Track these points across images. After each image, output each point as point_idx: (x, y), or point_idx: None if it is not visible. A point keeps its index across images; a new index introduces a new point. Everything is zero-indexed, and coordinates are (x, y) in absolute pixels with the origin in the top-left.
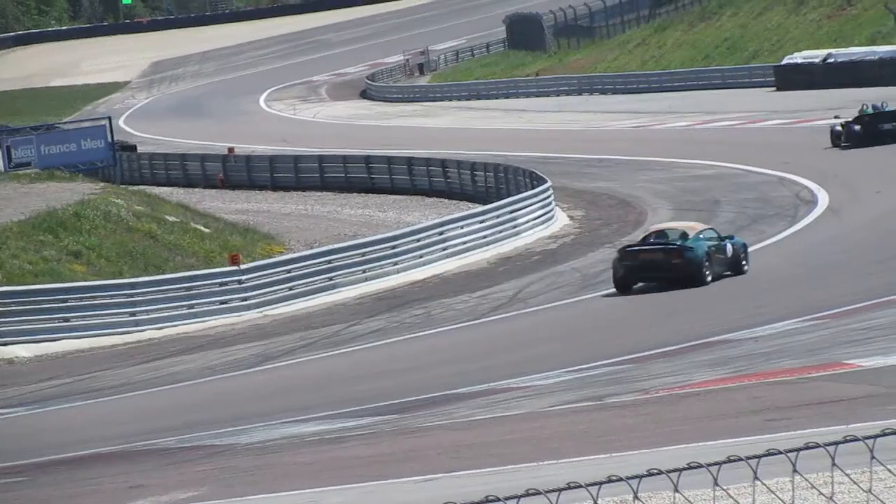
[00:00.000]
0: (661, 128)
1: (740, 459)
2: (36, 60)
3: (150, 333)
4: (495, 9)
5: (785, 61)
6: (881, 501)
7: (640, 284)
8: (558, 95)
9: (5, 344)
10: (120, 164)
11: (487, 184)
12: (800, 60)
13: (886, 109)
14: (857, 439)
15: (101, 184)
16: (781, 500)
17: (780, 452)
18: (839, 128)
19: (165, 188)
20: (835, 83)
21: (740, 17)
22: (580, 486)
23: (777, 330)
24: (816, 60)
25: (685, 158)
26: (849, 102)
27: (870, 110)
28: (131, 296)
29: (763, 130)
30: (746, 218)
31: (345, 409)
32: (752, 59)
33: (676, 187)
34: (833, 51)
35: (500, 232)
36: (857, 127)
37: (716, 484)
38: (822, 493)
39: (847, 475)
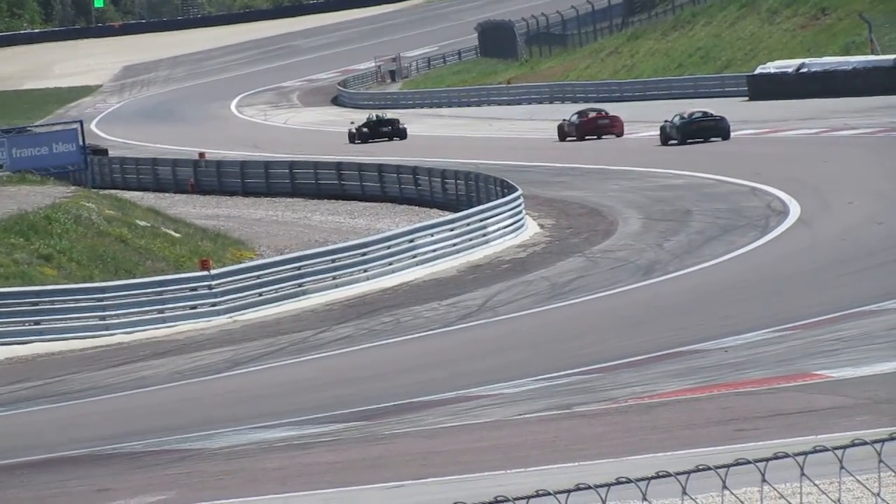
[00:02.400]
0: (633, 137)
1: (709, 469)
2: (8, 63)
3: (120, 337)
4: (467, 16)
5: (758, 71)
6: None
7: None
8: (530, 103)
9: None
10: (91, 167)
11: (458, 192)
12: (773, 70)
13: None
14: (826, 449)
15: (73, 187)
16: None
17: (749, 462)
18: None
19: (136, 192)
20: (808, 93)
21: (714, 26)
22: (549, 494)
23: (746, 340)
24: (790, 70)
25: (657, 168)
26: (822, 112)
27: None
28: (101, 300)
29: (735, 140)
30: (717, 228)
31: (313, 415)
32: (726, 69)
33: (647, 196)
34: (807, 60)
35: (471, 240)
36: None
37: (684, 493)
38: (790, 503)
39: (816, 485)
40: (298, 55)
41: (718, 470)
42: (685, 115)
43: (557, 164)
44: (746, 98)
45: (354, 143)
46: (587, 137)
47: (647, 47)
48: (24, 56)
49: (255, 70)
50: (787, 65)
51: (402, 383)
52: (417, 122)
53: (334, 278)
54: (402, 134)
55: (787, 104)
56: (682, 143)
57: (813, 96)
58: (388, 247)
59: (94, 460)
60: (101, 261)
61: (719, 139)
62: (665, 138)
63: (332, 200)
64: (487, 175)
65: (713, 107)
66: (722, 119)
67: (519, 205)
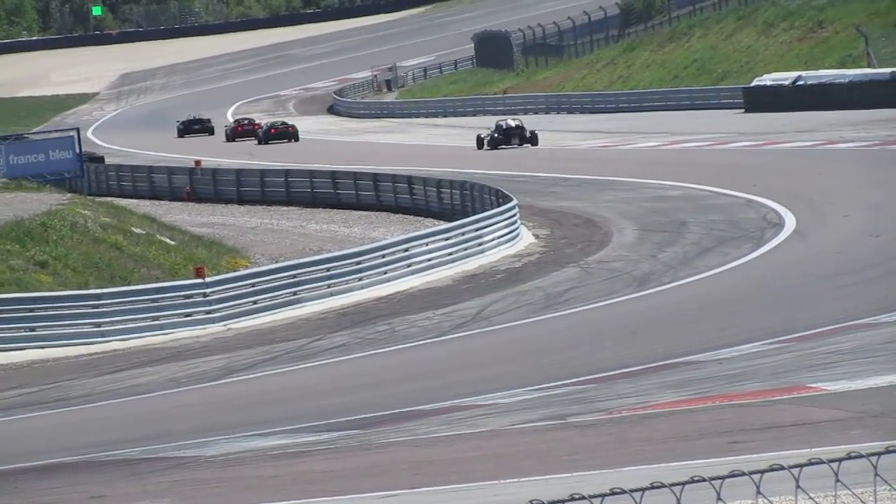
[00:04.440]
0: (629, 148)
1: (704, 480)
2: (5, 70)
3: (115, 344)
4: (464, 26)
5: (754, 83)
6: None
7: None
8: (526, 114)
9: None
10: (87, 175)
11: (453, 201)
12: (769, 82)
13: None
14: (822, 462)
15: (69, 194)
16: None
17: (744, 474)
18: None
19: (132, 200)
20: (804, 106)
21: (710, 38)
22: None
23: (741, 352)
24: (786, 83)
25: (652, 179)
26: (818, 125)
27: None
28: (97, 307)
29: (731, 152)
30: (713, 239)
31: (308, 423)
32: (722, 81)
33: (643, 208)
34: (803, 73)
35: (465, 249)
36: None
37: None
38: None
39: (811, 498)
40: (295, 64)
41: (713, 481)
42: (501, 126)
43: (552, 175)
44: (742, 110)
45: (482, 149)
46: (500, 147)
47: (644, 59)
48: (21, 63)
49: (252, 78)
50: (784, 77)
51: (397, 392)
52: (413, 132)
53: (329, 287)
54: (534, 140)
55: (783, 116)
56: (494, 148)
57: (809, 109)
58: (383, 256)
59: (88, 467)
60: (96, 268)
61: (528, 145)
62: (479, 145)
63: (328, 209)
64: (483, 185)
65: (708, 118)
66: (530, 131)
67: (514, 215)
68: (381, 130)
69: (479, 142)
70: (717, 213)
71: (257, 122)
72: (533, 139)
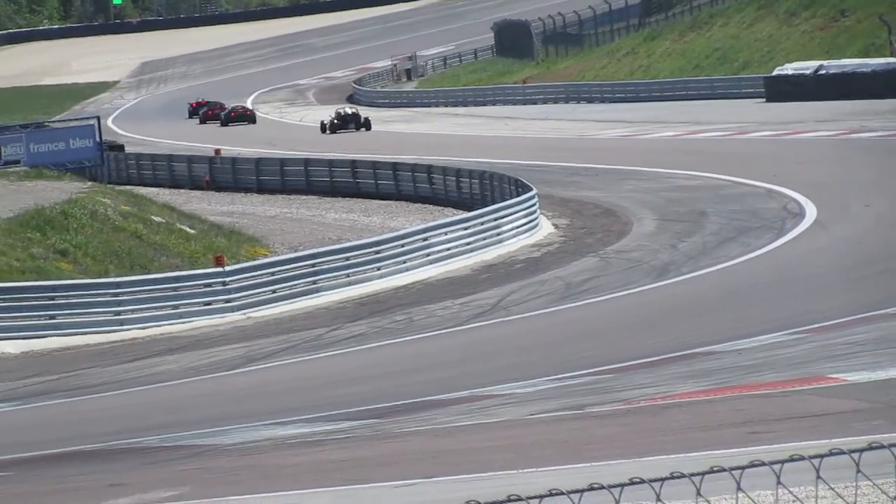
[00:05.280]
0: (649, 137)
1: (723, 470)
2: (27, 59)
3: (134, 333)
4: (484, 15)
5: (776, 72)
6: None
7: None
8: (545, 103)
9: None
10: (107, 163)
11: (472, 190)
12: (790, 72)
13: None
14: (843, 452)
15: (89, 183)
16: None
17: (764, 464)
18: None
19: (152, 188)
20: (826, 95)
21: (731, 27)
22: (562, 493)
23: (760, 343)
24: (807, 72)
25: (672, 168)
26: (840, 115)
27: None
28: (117, 295)
29: (752, 142)
30: (732, 230)
31: (326, 412)
32: (743, 70)
33: (662, 197)
34: (825, 62)
35: (484, 239)
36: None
37: (698, 494)
38: None
39: (832, 488)
40: (315, 53)
41: (733, 472)
42: (339, 112)
43: (572, 164)
44: (763, 100)
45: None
46: (339, 131)
47: (664, 48)
48: (42, 52)
49: (272, 67)
50: (805, 66)
51: (415, 381)
52: (432, 121)
53: (348, 276)
54: (367, 125)
55: (804, 106)
56: (334, 132)
57: (831, 98)
58: (402, 245)
59: (107, 455)
60: (116, 256)
61: (363, 129)
62: (323, 129)
63: (347, 198)
64: (502, 174)
65: (729, 108)
66: (364, 118)
67: (533, 204)
68: (400, 119)
69: (323, 127)
70: (737, 202)
71: (220, 106)
72: (367, 124)
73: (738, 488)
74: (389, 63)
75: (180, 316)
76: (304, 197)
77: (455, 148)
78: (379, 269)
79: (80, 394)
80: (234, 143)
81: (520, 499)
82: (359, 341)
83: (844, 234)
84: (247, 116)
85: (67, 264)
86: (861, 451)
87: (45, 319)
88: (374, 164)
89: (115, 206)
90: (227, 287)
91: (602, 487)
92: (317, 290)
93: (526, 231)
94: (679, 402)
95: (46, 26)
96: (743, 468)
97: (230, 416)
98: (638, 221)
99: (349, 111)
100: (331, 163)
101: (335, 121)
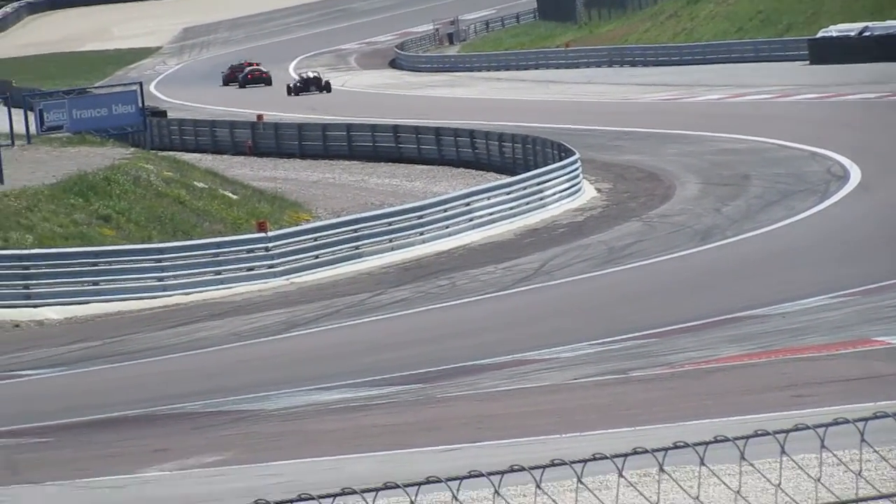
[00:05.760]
0: (692, 101)
1: (767, 434)
2: (69, 25)
3: (177, 298)
4: None
5: (820, 35)
6: None
7: None
8: (588, 67)
9: (36, 306)
10: (150, 129)
11: (515, 155)
12: (835, 34)
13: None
14: (886, 416)
15: (132, 149)
16: (809, 476)
17: (809, 428)
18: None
19: (194, 154)
20: (871, 57)
21: None
22: (605, 458)
23: (805, 306)
24: (852, 34)
25: (716, 132)
26: (884, 77)
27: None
28: (159, 261)
29: (795, 104)
30: (776, 193)
31: (369, 377)
32: (787, 32)
33: (706, 161)
34: (870, 24)
35: (527, 204)
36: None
37: (742, 458)
38: (850, 469)
39: (877, 451)
40: (357, 18)
41: (777, 435)
42: (302, 76)
43: (615, 128)
44: (807, 62)
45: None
46: (301, 93)
47: (708, 11)
48: (84, 18)
49: (314, 32)
50: (850, 28)
51: (458, 346)
52: (475, 86)
53: (391, 241)
54: (328, 88)
55: (848, 68)
56: (297, 95)
57: (875, 60)
58: (445, 210)
59: (151, 420)
60: (159, 222)
61: (325, 92)
62: (289, 92)
63: (390, 163)
64: (545, 139)
65: (773, 70)
66: (325, 81)
67: (576, 169)
68: (443, 84)
69: (289, 90)
70: (781, 166)
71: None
72: (327, 87)
73: (783, 452)
74: (432, 27)
75: (223, 282)
76: (346, 162)
77: (497, 112)
78: (422, 234)
79: (123, 360)
80: (275, 109)
81: (564, 462)
82: (402, 306)
83: (888, 198)
84: (262, 78)
85: (110, 230)
86: None
87: (89, 285)
88: (417, 129)
89: (157, 172)
90: (270, 252)
91: (646, 451)
92: (359, 256)
93: (569, 195)
94: (722, 365)
95: None
96: (787, 431)
97: (273, 381)
98: (681, 185)
99: (311, 75)
100: (373, 127)
101: (298, 84)
